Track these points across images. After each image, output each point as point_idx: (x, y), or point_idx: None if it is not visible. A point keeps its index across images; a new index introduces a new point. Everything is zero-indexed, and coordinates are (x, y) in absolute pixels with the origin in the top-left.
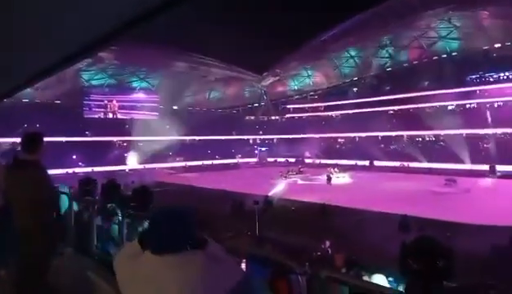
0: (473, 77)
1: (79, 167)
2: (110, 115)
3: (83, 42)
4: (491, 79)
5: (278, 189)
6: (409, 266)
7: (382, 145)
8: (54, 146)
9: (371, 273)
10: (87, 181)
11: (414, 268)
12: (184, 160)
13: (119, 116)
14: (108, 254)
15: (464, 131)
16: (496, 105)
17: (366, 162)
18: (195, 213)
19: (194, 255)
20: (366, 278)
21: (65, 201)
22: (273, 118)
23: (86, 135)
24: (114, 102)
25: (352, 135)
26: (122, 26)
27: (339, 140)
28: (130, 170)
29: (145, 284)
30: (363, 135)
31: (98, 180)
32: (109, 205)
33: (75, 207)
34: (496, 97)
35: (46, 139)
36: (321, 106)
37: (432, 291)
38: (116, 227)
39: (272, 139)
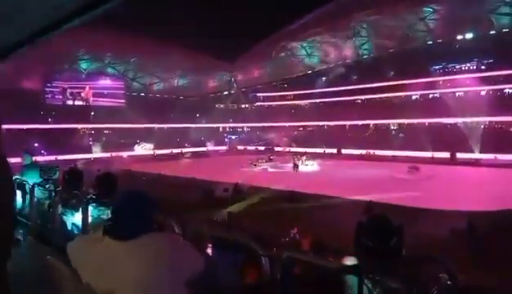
0: (437, 67)
1: (42, 155)
2: (80, 102)
3: (43, 26)
4: (454, 70)
5: (247, 176)
6: (363, 244)
7: (349, 134)
8: (14, 134)
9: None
10: (48, 169)
11: (367, 245)
12: (153, 148)
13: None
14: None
15: (427, 120)
16: (457, 95)
17: (334, 150)
18: (153, 198)
19: (153, 240)
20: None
21: (26, 189)
22: (243, 106)
23: (49, 123)
24: (87, 88)
25: (320, 123)
26: (83, 7)
27: (308, 128)
28: (95, 158)
29: (104, 268)
30: (331, 123)
31: (62, 167)
32: (71, 192)
33: (37, 194)
34: (458, 87)
35: (5, 126)
36: (290, 95)
37: (383, 266)
38: (79, 215)
39: (242, 127)
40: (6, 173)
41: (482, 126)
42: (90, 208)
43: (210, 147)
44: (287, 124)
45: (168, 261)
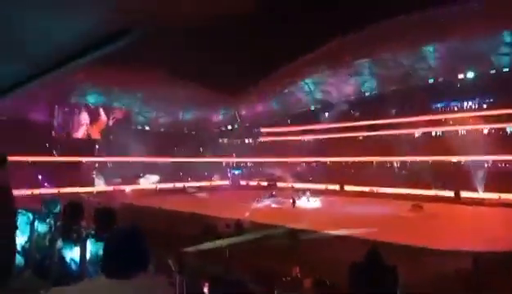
0: (439, 106)
1: (45, 187)
2: (85, 135)
3: (54, 58)
4: (456, 108)
5: (250, 212)
6: (357, 285)
7: (352, 171)
8: (18, 166)
9: None
10: (49, 202)
11: (361, 286)
12: (156, 181)
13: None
14: (68, 277)
15: (430, 158)
16: (459, 133)
17: (337, 187)
18: (150, 234)
19: (148, 282)
20: None
21: (26, 222)
22: (246, 140)
23: (53, 155)
24: (93, 122)
25: (323, 159)
26: (91, 45)
27: (311, 164)
28: (98, 192)
29: None
30: (334, 159)
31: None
32: (71, 226)
33: (37, 228)
34: (460, 125)
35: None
36: (293, 130)
37: None
38: (78, 249)
39: (246, 162)
40: (9, 204)
41: (486, 165)
42: (88, 243)
43: (213, 182)
44: (290, 160)
45: None
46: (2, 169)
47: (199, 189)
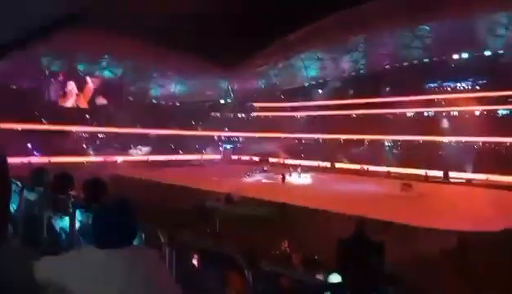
0: (432, 85)
1: (35, 156)
2: (76, 104)
3: (37, 24)
4: (449, 89)
5: (240, 186)
6: (343, 261)
7: (343, 148)
8: (7, 134)
9: (328, 272)
10: (38, 171)
11: (347, 261)
12: (147, 153)
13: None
14: (58, 246)
15: (421, 138)
16: (451, 114)
17: (328, 164)
18: (140, 206)
19: (130, 254)
20: (320, 276)
21: (15, 190)
22: (239, 115)
23: (43, 124)
24: (84, 90)
25: (315, 136)
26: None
27: (303, 140)
28: (88, 162)
29: (87, 276)
30: (326, 136)
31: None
32: (60, 196)
33: (26, 196)
34: (452, 106)
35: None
36: (286, 106)
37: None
38: (67, 219)
39: (238, 136)
40: (5, 172)
41: (475, 147)
42: (78, 213)
43: (204, 155)
44: (282, 135)
45: (139, 286)
46: None
47: (191, 162)
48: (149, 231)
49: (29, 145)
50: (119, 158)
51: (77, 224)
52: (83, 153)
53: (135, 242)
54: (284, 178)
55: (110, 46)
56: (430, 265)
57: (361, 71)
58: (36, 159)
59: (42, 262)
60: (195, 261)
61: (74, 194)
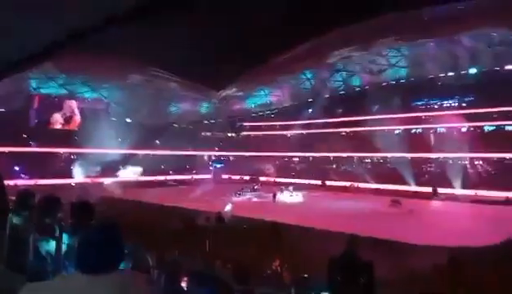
0: (419, 103)
1: (22, 179)
2: (64, 126)
3: (30, 50)
4: (436, 106)
5: (230, 206)
6: (335, 280)
7: (334, 165)
8: None
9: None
10: (24, 194)
11: (338, 281)
12: (138, 173)
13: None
14: (43, 271)
15: (410, 155)
16: (438, 131)
17: (319, 182)
18: (129, 228)
19: (125, 277)
20: None
21: None
22: (229, 134)
23: (30, 146)
24: (73, 112)
25: (305, 154)
26: (70, 36)
27: (294, 159)
28: (76, 183)
29: None
30: (316, 155)
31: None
32: (47, 220)
33: (11, 220)
34: (440, 124)
35: None
36: (276, 125)
37: None
38: (53, 243)
39: (228, 156)
40: (3, 192)
41: (463, 163)
42: (64, 237)
43: (195, 175)
44: (273, 154)
45: None
46: None
47: (181, 182)
48: (137, 254)
49: (17, 168)
50: (107, 179)
51: (63, 248)
52: (71, 174)
53: (123, 266)
54: (274, 196)
55: (98, 67)
56: (421, 282)
57: (349, 90)
58: (23, 181)
59: (26, 290)
60: (184, 284)
61: (60, 217)
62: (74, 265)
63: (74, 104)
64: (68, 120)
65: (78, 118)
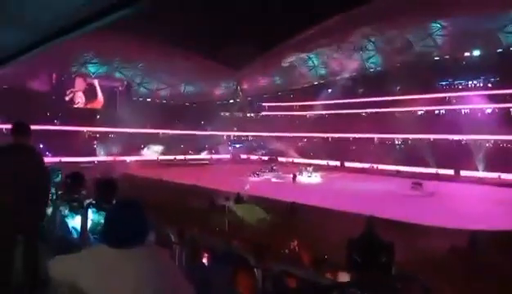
0: (443, 83)
1: (46, 156)
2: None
3: (55, 27)
4: (460, 87)
5: (250, 186)
6: (353, 260)
7: (353, 147)
8: None
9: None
10: (51, 171)
11: (357, 262)
12: (159, 152)
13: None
14: (70, 244)
15: (432, 136)
16: (462, 112)
17: (338, 163)
18: (151, 205)
19: (142, 254)
20: (328, 275)
21: None
22: (248, 115)
23: (55, 124)
24: (95, 92)
25: (324, 135)
26: (94, 15)
27: (313, 139)
28: (99, 161)
29: (100, 274)
30: (335, 135)
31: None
32: (72, 196)
33: None
34: (463, 104)
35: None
36: (295, 105)
37: (372, 283)
38: (79, 218)
39: (247, 136)
40: (40, 162)
41: (487, 145)
42: (90, 212)
43: (214, 155)
44: (291, 135)
45: (151, 284)
46: (27, 136)
47: (200, 161)
48: (160, 230)
49: (41, 145)
50: (129, 158)
51: (89, 223)
52: (94, 152)
53: (146, 241)
54: (295, 177)
55: (120, 48)
56: (441, 265)
57: (371, 69)
58: (48, 159)
59: (55, 261)
60: (205, 260)
61: (85, 194)
62: (100, 239)
63: (96, 83)
64: (90, 99)
65: (100, 97)
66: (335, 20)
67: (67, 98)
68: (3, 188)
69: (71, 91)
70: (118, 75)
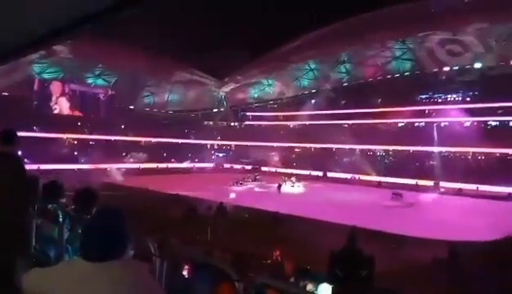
0: (423, 97)
1: (25, 163)
2: (67, 111)
3: (39, 33)
4: (440, 100)
5: (232, 195)
6: (335, 274)
7: (336, 157)
8: None
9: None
10: (28, 179)
11: (338, 275)
12: (138, 162)
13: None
14: (47, 256)
15: (412, 148)
16: (442, 125)
17: (320, 173)
18: (130, 215)
19: (126, 266)
20: (310, 286)
21: None
22: (232, 124)
23: (33, 131)
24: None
25: (307, 145)
26: (79, 21)
27: (295, 149)
28: (79, 169)
29: (74, 290)
30: (318, 146)
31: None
32: (49, 205)
33: None
34: (443, 117)
35: None
36: (279, 115)
37: None
38: (57, 229)
39: (230, 145)
40: (21, 172)
41: (466, 157)
42: (67, 223)
43: (197, 163)
44: (275, 144)
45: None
46: (12, 145)
47: (183, 170)
48: (139, 242)
49: (19, 152)
50: (110, 166)
51: (66, 234)
52: (74, 160)
53: (125, 254)
54: (279, 187)
55: (103, 54)
56: (421, 276)
57: (353, 82)
58: (26, 166)
59: (29, 274)
60: (185, 273)
61: (63, 203)
62: (77, 251)
63: (76, 88)
64: (72, 106)
65: (80, 103)
66: (319, 33)
67: (48, 104)
68: None
69: (52, 97)
70: (100, 82)
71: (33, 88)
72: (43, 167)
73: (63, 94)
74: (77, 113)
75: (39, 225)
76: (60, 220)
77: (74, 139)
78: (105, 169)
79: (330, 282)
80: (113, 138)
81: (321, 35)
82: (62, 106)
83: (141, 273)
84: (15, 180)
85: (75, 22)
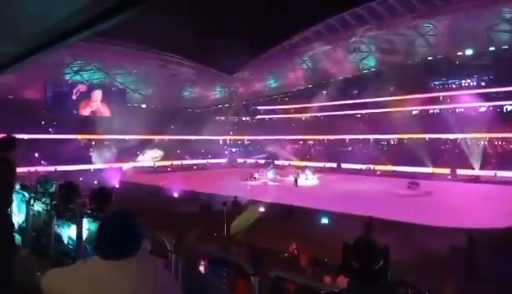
0: (437, 83)
1: (42, 165)
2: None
3: (48, 36)
4: (454, 86)
5: (247, 189)
6: (349, 266)
7: (349, 148)
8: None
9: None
10: (45, 181)
11: (353, 267)
12: (156, 158)
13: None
14: (65, 255)
15: (427, 136)
16: (457, 111)
17: (334, 165)
18: (137, 219)
19: (143, 263)
20: (328, 278)
21: (22, 200)
22: (244, 118)
23: (49, 133)
24: (89, 99)
25: (320, 137)
26: (88, 22)
27: (308, 142)
28: (95, 169)
29: (91, 287)
30: (331, 137)
31: (58, 179)
32: (67, 206)
33: (34, 207)
34: (458, 103)
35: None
36: (291, 108)
37: (368, 289)
38: (74, 228)
39: (243, 139)
40: (10, 176)
41: (482, 143)
42: (85, 222)
43: (210, 159)
44: (287, 137)
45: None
46: (13, 150)
47: (197, 166)
48: (155, 239)
49: (36, 155)
50: (125, 165)
51: (85, 234)
52: (90, 160)
53: (141, 251)
54: (296, 181)
55: (114, 55)
56: (438, 265)
57: (365, 71)
58: (43, 168)
59: (48, 273)
60: (201, 268)
61: (81, 203)
62: (95, 250)
63: (94, 89)
64: (85, 105)
65: (95, 103)
66: (329, 22)
67: (62, 106)
68: None
69: (66, 99)
70: (112, 82)
71: (46, 91)
72: (60, 168)
73: (77, 96)
74: (101, 115)
75: (57, 226)
76: (78, 219)
77: (89, 139)
78: (121, 168)
79: (345, 275)
80: (126, 137)
81: (329, 25)
82: (76, 108)
83: (157, 268)
84: (4, 180)
85: (80, 25)
